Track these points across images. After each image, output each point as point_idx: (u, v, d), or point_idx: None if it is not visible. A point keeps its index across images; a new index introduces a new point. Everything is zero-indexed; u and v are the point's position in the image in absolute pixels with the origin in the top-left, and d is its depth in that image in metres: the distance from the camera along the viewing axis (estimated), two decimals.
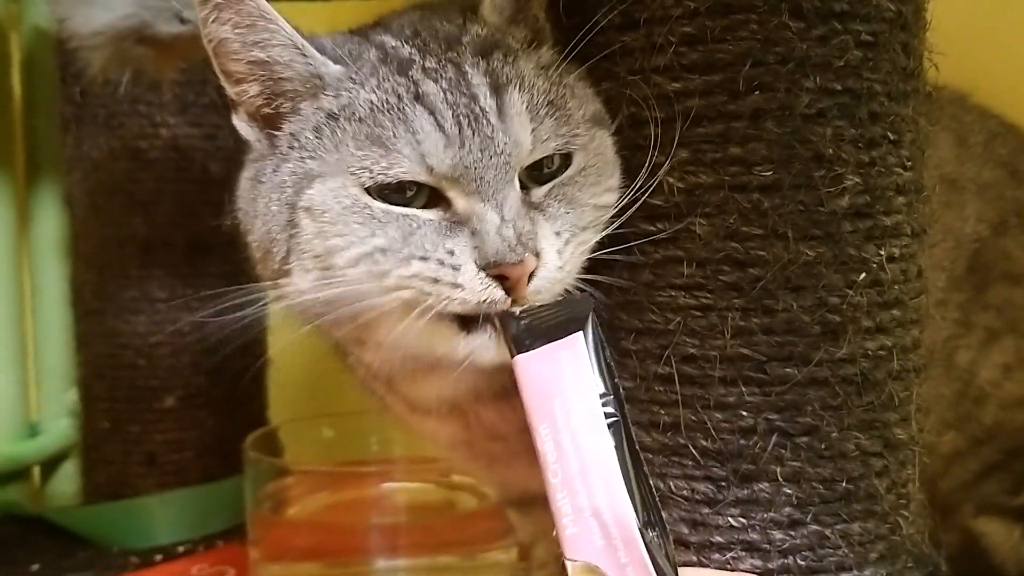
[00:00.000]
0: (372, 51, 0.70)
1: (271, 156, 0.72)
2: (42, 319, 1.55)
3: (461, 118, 0.65)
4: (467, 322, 0.66)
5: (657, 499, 0.59)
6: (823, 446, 0.66)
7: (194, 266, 1.34)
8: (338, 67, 0.69)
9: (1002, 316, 1.04)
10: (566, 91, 0.70)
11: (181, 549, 1.31)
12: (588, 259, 0.69)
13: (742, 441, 0.65)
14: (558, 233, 0.67)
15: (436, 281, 0.64)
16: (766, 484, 0.66)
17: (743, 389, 0.65)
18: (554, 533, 0.59)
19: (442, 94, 0.66)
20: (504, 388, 0.76)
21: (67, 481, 1.54)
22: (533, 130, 0.67)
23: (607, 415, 0.60)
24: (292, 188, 0.69)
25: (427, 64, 0.68)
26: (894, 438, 0.68)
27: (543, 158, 0.68)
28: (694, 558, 0.66)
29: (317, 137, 0.68)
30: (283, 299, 0.71)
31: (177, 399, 1.37)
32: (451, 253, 0.64)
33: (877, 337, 0.67)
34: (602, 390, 0.61)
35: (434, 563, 1.11)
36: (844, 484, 0.66)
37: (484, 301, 0.64)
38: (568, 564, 0.57)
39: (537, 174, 0.68)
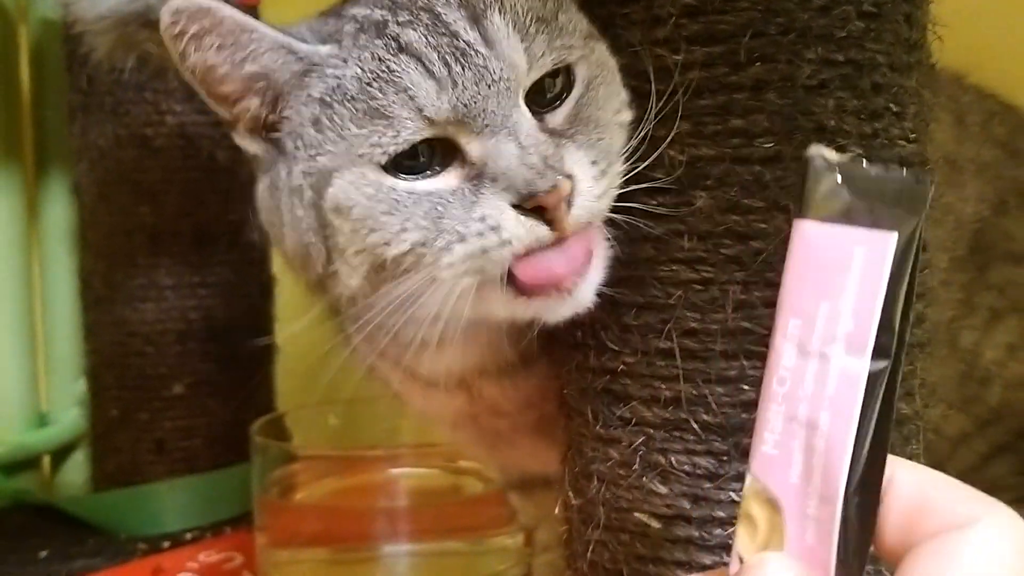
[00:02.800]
0: (348, 26, 0.68)
1: (280, 161, 0.70)
2: (52, 309, 1.56)
3: (447, 58, 0.63)
4: (527, 289, 0.64)
5: (883, 474, 0.46)
6: None
7: (201, 254, 1.35)
8: (327, 47, 0.67)
9: (1004, 296, 1.04)
10: (553, 5, 0.68)
11: (189, 536, 1.32)
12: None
13: (744, 415, 0.65)
14: (593, 162, 0.64)
15: (485, 251, 0.62)
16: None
17: (744, 363, 0.65)
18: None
19: (423, 39, 0.63)
20: (509, 364, 0.76)
21: (77, 470, 1.54)
22: (526, 49, 0.64)
23: (877, 352, 0.45)
24: (310, 189, 0.66)
25: (400, 19, 0.65)
26: (898, 413, 0.67)
27: (543, 78, 0.66)
28: (695, 533, 0.66)
29: (318, 131, 0.66)
30: (336, 305, 0.70)
31: (185, 387, 1.37)
32: (482, 219, 0.62)
33: None
34: (887, 321, 0.45)
35: (441, 548, 1.11)
36: None
37: (531, 242, 0.61)
38: (748, 479, 0.47)
39: (542, 98, 0.66)
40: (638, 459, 0.67)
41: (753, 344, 0.65)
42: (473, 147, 0.63)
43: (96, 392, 1.43)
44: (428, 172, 0.64)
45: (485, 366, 0.76)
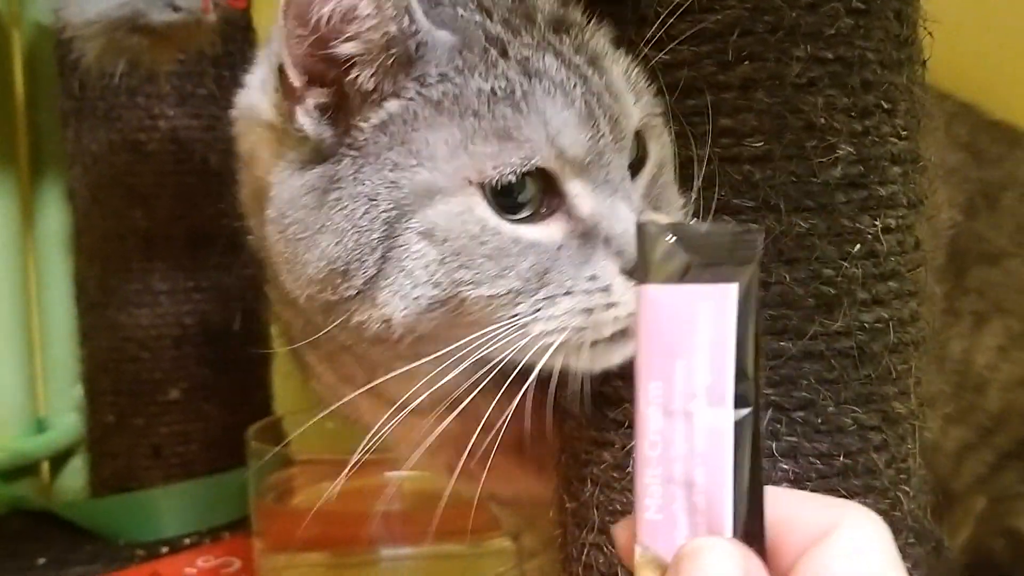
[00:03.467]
0: (469, 23, 0.61)
1: (343, 157, 0.62)
2: (48, 315, 1.56)
3: (587, 96, 0.59)
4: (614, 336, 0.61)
5: (765, 518, 0.48)
6: (819, 420, 0.65)
7: (195, 258, 1.34)
8: (445, 34, 0.60)
9: (985, 298, 1.03)
10: (634, 66, 0.65)
11: (187, 541, 1.32)
12: None
13: None
14: None
15: (590, 311, 0.59)
16: (762, 460, 0.65)
17: None
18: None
19: (561, 71, 0.59)
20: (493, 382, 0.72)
21: (75, 475, 1.54)
22: (635, 102, 0.62)
23: (737, 400, 0.47)
24: (391, 203, 0.59)
25: (524, 40, 0.60)
26: (892, 412, 0.67)
27: None
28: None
29: (424, 136, 0.59)
30: (356, 330, 0.63)
31: (181, 391, 1.37)
32: (594, 277, 0.59)
33: (873, 309, 0.66)
34: (742, 369, 0.47)
35: (439, 551, 1.10)
36: (842, 459, 0.65)
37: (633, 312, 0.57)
38: (637, 550, 0.47)
39: None
40: (632, 462, 0.67)
41: None
42: (585, 202, 0.60)
43: (92, 397, 1.43)
44: (530, 214, 0.60)
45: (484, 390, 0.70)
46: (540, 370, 0.61)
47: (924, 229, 0.70)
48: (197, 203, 1.31)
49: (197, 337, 1.36)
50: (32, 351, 1.56)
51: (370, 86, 0.61)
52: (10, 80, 1.53)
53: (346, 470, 0.71)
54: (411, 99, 0.61)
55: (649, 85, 0.65)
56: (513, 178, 0.59)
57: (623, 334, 0.60)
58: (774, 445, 0.64)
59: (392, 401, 0.71)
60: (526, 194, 0.60)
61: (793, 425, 0.64)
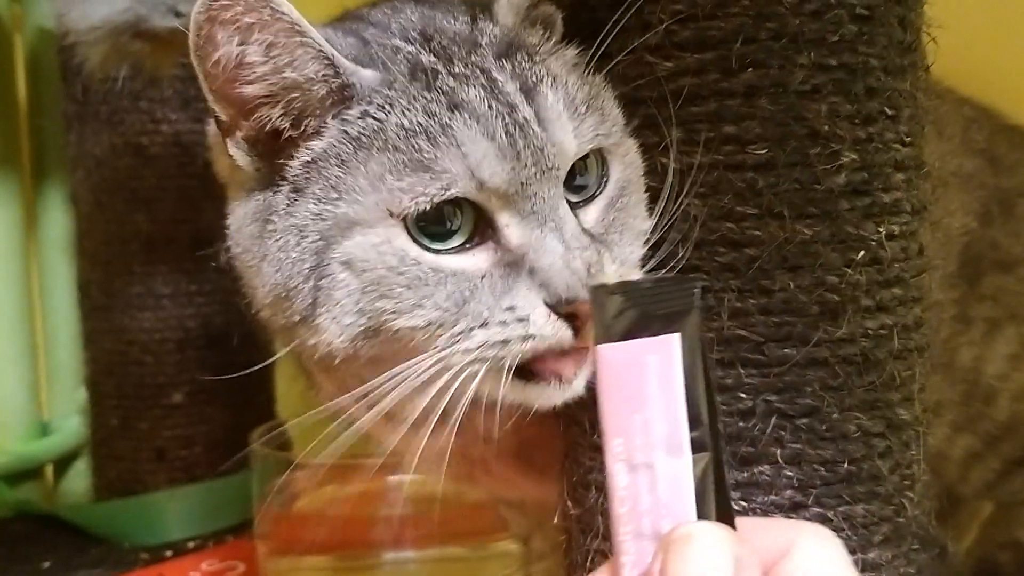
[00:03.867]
0: (395, 57, 0.62)
1: (277, 191, 0.63)
2: (51, 318, 1.56)
3: (509, 127, 0.59)
4: (527, 372, 0.61)
5: None
6: (824, 427, 0.65)
7: (197, 261, 1.34)
8: (370, 72, 0.61)
9: (999, 305, 1.02)
10: (597, 89, 0.65)
11: (191, 545, 1.32)
12: None
13: (741, 423, 0.65)
14: (621, 277, 0.61)
15: (506, 342, 0.59)
16: (766, 467, 0.65)
17: (741, 371, 0.64)
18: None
19: (484, 102, 0.59)
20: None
21: (79, 479, 1.55)
22: (575, 129, 0.61)
23: (694, 446, 0.48)
24: (318, 234, 0.60)
25: (455, 71, 0.61)
26: (897, 418, 0.67)
27: (575, 164, 0.63)
28: None
29: (344, 172, 0.60)
30: (300, 349, 0.64)
31: (185, 395, 1.37)
32: (511, 309, 0.59)
33: (877, 316, 0.66)
34: (695, 415, 0.49)
35: (443, 554, 1.11)
36: (846, 466, 0.65)
37: (554, 344, 0.59)
38: None
39: (571, 182, 0.63)
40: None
41: (749, 352, 0.64)
42: (513, 232, 0.60)
43: (96, 401, 1.43)
44: (455, 245, 0.60)
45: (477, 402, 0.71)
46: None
47: (928, 235, 0.70)
48: (199, 207, 1.30)
49: (200, 341, 1.36)
50: (35, 355, 1.57)
51: (284, 124, 0.62)
52: (12, 84, 1.53)
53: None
54: (334, 137, 0.61)
55: (617, 104, 0.65)
56: (428, 207, 0.59)
57: (548, 377, 0.60)
58: (779, 452, 0.65)
59: (390, 414, 0.71)
60: (457, 223, 0.60)
61: (798, 432, 0.65)
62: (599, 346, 0.50)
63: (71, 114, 1.37)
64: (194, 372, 1.36)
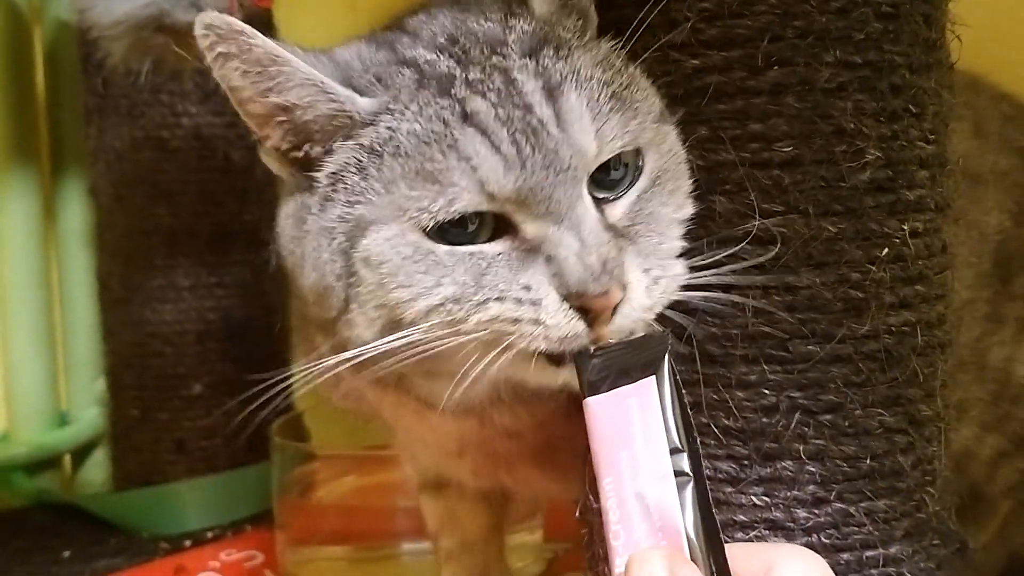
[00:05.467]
0: (406, 72, 0.63)
1: (311, 195, 0.66)
2: (70, 309, 1.57)
3: (518, 135, 0.59)
4: (553, 357, 0.61)
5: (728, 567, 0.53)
6: (846, 423, 0.65)
7: (218, 254, 1.35)
8: (367, 100, 0.63)
9: None
10: (630, 83, 0.65)
11: (210, 535, 1.33)
12: None
13: (764, 419, 0.65)
14: (647, 270, 0.61)
15: (517, 321, 0.59)
16: (789, 462, 0.65)
17: (765, 367, 0.65)
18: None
19: (492, 111, 0.60)
20: (520, 392, 0.72)
21: (97, 469, 1.56)
22: (598, 131, 0.61)
23: (677, 473, 0.54)
24: (344, 236, 0.63)
25: (471, 76, 0.62)
26: (919, 414, 0.67)
27: (610, 159, 0.63)
28: None
29: (362, 178, 0.63)
30: (343, 348, 0.65)
31: (204, 386, 1.38)
32: (527, 288, 0.60)
33: (900, 312, 0.66)
34: (674, 444, 0.55)
35: None
36: (868, 461, 0.66)
37: (567, 336, 0.59)
38: None
39: (604, 178, 0.63)
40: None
41: (773, 348, 0.65)
42: (529, 228, 0.61)
43: (116, 392, 1.44)
44: (476, 239, 0.62)
45: (500, 395, 0.72)
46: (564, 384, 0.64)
47: (951, 232, 0.70)
48: (220, 200, 1.32)
49: (220, 333, 1.37)
50: (54, 346, 1.57)
51: (285, 145, 0.66)
52: (32, 77, 1.54)
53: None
54: (349, 151, 0.64)
55: (657, 95, 0.65)
56: (432, 224, 0.60)
57: (558, 359, 0.61)
58: (802, 448, 0.65)
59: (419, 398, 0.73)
60: (475, 225, 0.61)
61: (821, 428, 0.65)
62: (587, 399, 0.57)
63: (91, 107, 1.38)
64: (214, 364, 1.37)
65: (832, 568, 0.54)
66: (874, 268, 0.65)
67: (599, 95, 0.62)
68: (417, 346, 0.61)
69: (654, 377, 0.57)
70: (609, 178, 0.63)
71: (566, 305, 0.59)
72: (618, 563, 0.53)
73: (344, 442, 1.30)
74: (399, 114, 0.62)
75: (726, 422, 0.66)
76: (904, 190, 0.66)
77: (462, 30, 0.65)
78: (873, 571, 0.66)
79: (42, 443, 1.53)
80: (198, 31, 0.62)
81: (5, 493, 1.49)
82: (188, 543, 1.31)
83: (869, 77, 0.64)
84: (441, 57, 0.64)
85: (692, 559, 0.53)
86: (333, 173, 0.65)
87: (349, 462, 1.24)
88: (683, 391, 0.57)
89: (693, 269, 0.64)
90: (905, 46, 0.65)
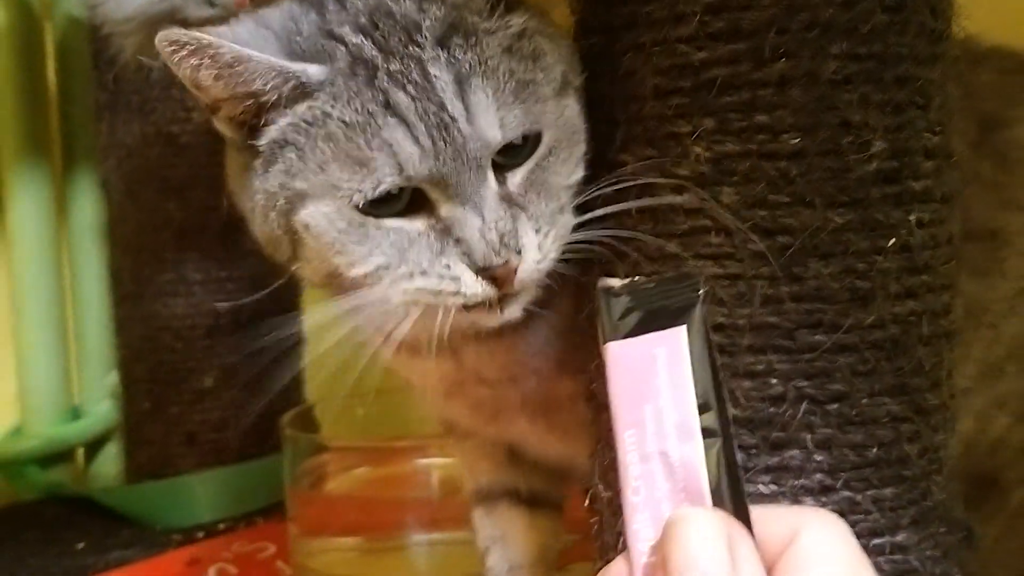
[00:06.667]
0: (338, 52, 0.67)
1: (254, 157, 0.71)
2: (82, 304, 1.58)
3: (433, 130, 0.66)
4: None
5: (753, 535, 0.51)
6: (853, 412, 0.66)
7: (228, 248, 1.36)
8: (316, 68, 0.67)
9: None
10: (535, 63, 0.69)
11: (222, 526, 1.35)
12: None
13: (771, 409, 0.66)
14: (537, 229, 0.69)
15: (439, 292, 0.68)
16: (796, 451, 0.66)
17: (772, 357, 0.65)
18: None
19: (412, 104, 0.65)
20: (486, 330, 0.77)
21: (110, 462, 1.57)
22: (502, 120, 0.67)
23: (705, 432, 0.51)
24: (285, 201, 0.69)
25: (391, 67, 0.66)
26: (925, 403, 0.68)
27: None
28: None
29: (299, 157, 0.68)
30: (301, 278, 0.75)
31: (215, 379, 1.39)
32: (448, 267, 0.68)
33: (907, 302, 0.66)
34: (704, 401, 0.52)
35: (470, 537, 1.12)
36: (875, 450, 0.66)
37: (480, 299, 0.68)
38: None
39: (507, 149, 0.69)
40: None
41: (780, 338, 0.65)
42: (443, 208, 0.68)
43: (127, 386, 1.46)
44: (398, 211, 0.68)
45: (464, 330, 0.76)
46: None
47: (956, 223, 0.71)
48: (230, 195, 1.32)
49: (230, 326, 1.38)
50: (67, 341, 1.59)
51: (245, 119, 0.70)
52: (42, 72, 1.55)
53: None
54: (289, 122, 0.68)
55: (551, 77, 0.70)
56: (362, 201, 0.67)
57: (488, 305, 0.69)
58: (809, 437, 0.65)
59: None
60: (398, 195, 0.68)
61: (828, 417, 0.65)
62: (608, 343, 0.53)
63: (102, 103, 1.39)
64: (224, 357, 1.38)
65: None
66: (880, 258, 0.65)
67: (504, 85, 0.67)
68: (360, 301, 0.69)
69: (685, 327, 0.53)
70: (511, 148, 0.69)
71: (479, 278, 0.67)
72: (638, 519, 0.51)
73: (355, 434, 1.31)
74: (335, 98, 0.67)
75: (733, 412, 0.66)
76: (910, 181, 0.66)
77: (382, 10, 0.68)
78: (880, 558, 0.67)
79: (55, 437, 1.54)
80: (163, 47, 0.66)
81: (18, 486, 1.51)
82: (200, 535, 1.32)
83: (875, 69, 0.64)
84: (365, 42, 0.67)
85: None
86: (274, 140, 0.69)
87: (360, 454, 1.25)
88: (714, 345, 0.54)
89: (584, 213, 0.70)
90: (911, 37, 0.66)
